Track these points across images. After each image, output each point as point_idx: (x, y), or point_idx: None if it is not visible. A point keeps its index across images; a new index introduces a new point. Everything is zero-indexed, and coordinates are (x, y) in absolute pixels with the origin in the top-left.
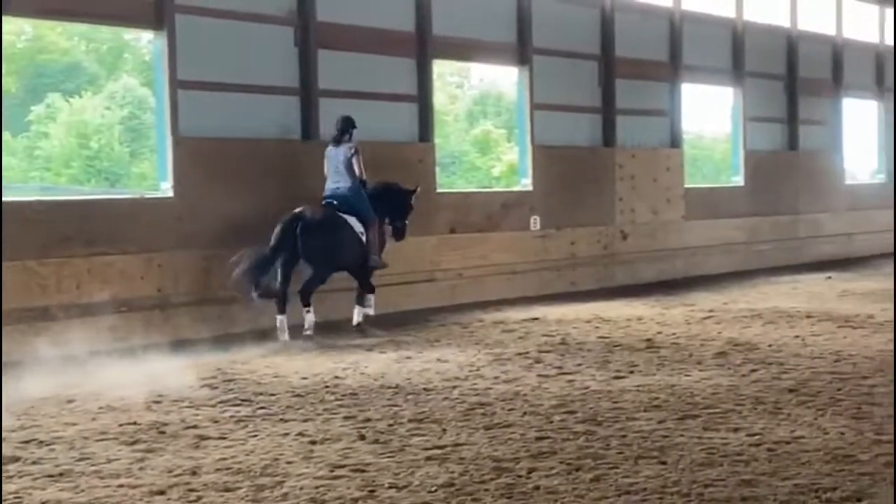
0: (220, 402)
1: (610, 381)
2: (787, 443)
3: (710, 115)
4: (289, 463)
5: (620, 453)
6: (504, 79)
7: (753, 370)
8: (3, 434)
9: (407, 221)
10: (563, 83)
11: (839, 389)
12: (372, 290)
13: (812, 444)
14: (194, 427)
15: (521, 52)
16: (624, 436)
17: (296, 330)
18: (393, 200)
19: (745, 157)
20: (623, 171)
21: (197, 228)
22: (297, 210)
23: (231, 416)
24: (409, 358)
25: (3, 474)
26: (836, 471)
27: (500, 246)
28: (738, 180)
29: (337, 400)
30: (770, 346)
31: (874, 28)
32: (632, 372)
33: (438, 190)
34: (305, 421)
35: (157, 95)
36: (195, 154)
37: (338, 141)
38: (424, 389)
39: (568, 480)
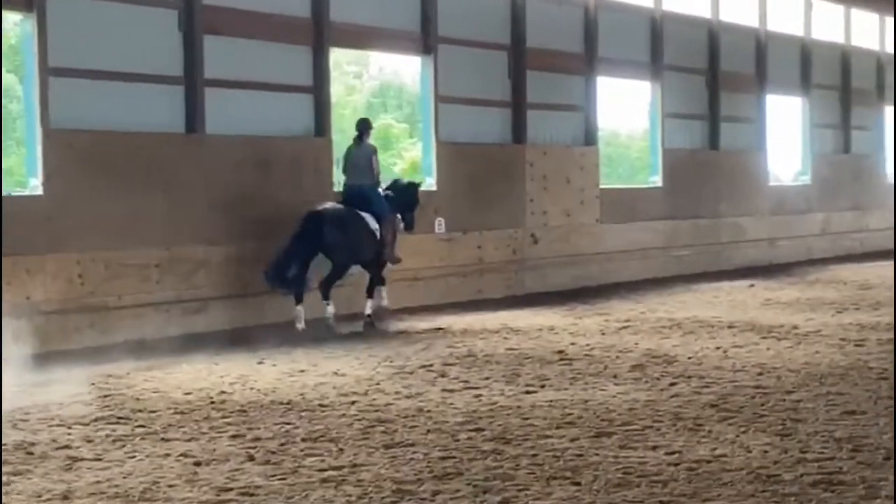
0: (95, 420)
1: (520, 395)
2: (708, 462)
3: (626, 110)
4: (170, 486)
5: (531, 474)
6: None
7: (672, 384)
8: None
9: (414, 213)
10: (470, 75)
11: (762, 405)
12: (383, 281)
13: (734, 462)
14: (66, 447)
15: (425, 40)
16: (535, 455)
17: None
18: (403, 196)
19: (663, 155)
20: (534, 170)
21: (70, 229)
22: (318, 207)
23: (107, 435)
24: (302, 371)
25: None
26: (759, 491)
27: (401, 250)
28: (656, 181)
29: (224, 417)
30: (690, 358)
31: (799, 21)
32: (543, 386)
33: (335, 189)
34: (189, 440)
35: (24, 83)
36: (68, 148)
37: (359, 141)
38: (320, 406)
39: (475, 503)
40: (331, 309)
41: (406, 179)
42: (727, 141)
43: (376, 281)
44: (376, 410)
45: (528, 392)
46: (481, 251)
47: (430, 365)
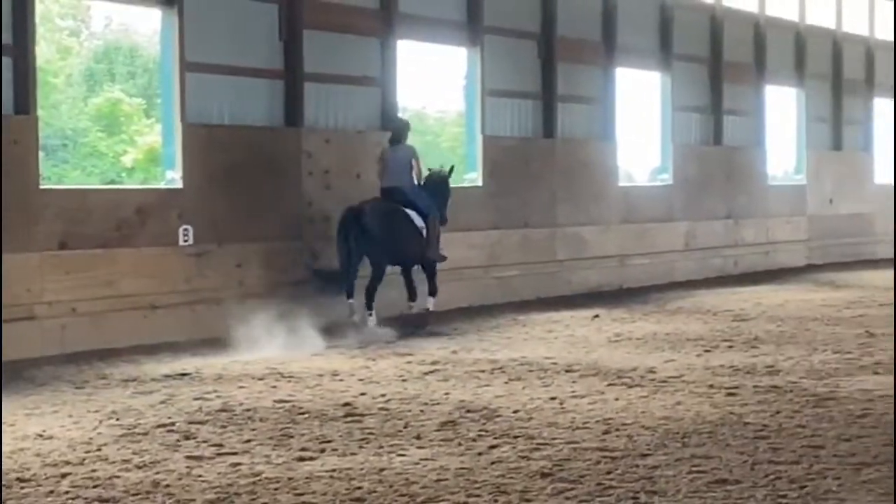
0: None
1: (292, 464)
2: None
3: (436, 85)
4: None
5: None
6: (142, 25)
7: (493, 447)
8: None
9: (448, 206)
10: (226, 34)
11: (609, 473)
12: (433, 290)
13: None
14: None
15: None
16: None
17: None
18: (439, 189)
19: (483, 145)
20: (314, 163)
21: None
22: (358, 203)
23: None
24: None
25: None
26: None
27: (133, 268)
28: (475, 178)
29: None
30: (516, 412)
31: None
32: (323, 451)
33: (42, 185)
34: None
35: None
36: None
37: (396, 143)
38: (18, 480)
39: None
40: (373, 319)
41: (440, 170)
42: (566, 127)
43: (432, 279)
44: (96, 486)
45: (302, 459)
46: (242, 270)
47: (171, 423)
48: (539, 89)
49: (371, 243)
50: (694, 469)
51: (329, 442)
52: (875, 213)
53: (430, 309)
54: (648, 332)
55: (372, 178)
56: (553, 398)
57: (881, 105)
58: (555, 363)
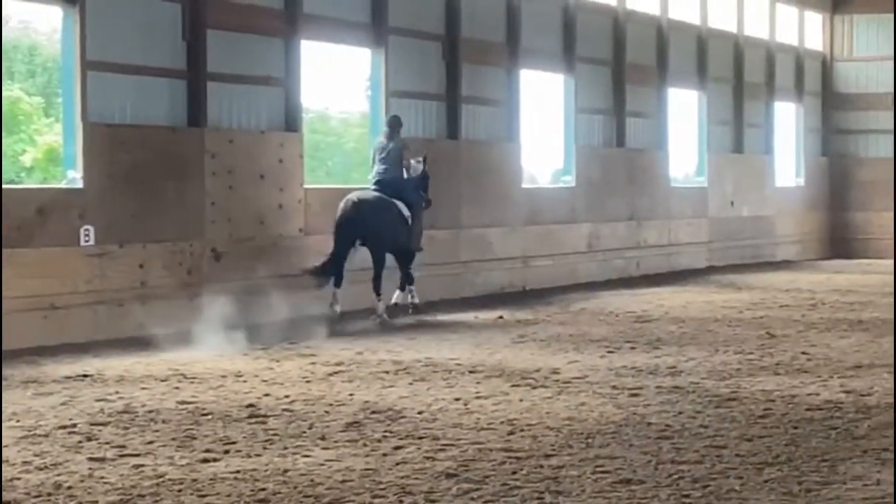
0: None
1: (195, 465)
2: None
3: (341, 88)
4: None
5: None
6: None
7: (398, 447)
8: None
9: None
10: (131, 32)
11: (514, 473)
12: (412, 281)
13: None
14: None
15: None
16: None
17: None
18: (421, 180)
19: None
20: (217, 163)
21: None
22: (355, 195)
23: None
24: None
25: None
26: None
27: (34, 269)
28: None
29: None
30: (420, 413)
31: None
32: (227, 452)
33: None
34: None
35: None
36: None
37: (389, 136)
38: None
39: None
40: (381, 305)
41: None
42: (470, 129)
43: (407, 271)
44: None
45: (206, 460)
46: (144, 271)
47: (73, 425)
48: (443, 91)
49: (371, 233)
50: (598, 469)
51: (233, 443)
52: (775, 216)
53: (399, 302)
54: (552, 333)
55: (275, 178)
56: (458, 399)
57: (781, 109)
58: (459, 364)
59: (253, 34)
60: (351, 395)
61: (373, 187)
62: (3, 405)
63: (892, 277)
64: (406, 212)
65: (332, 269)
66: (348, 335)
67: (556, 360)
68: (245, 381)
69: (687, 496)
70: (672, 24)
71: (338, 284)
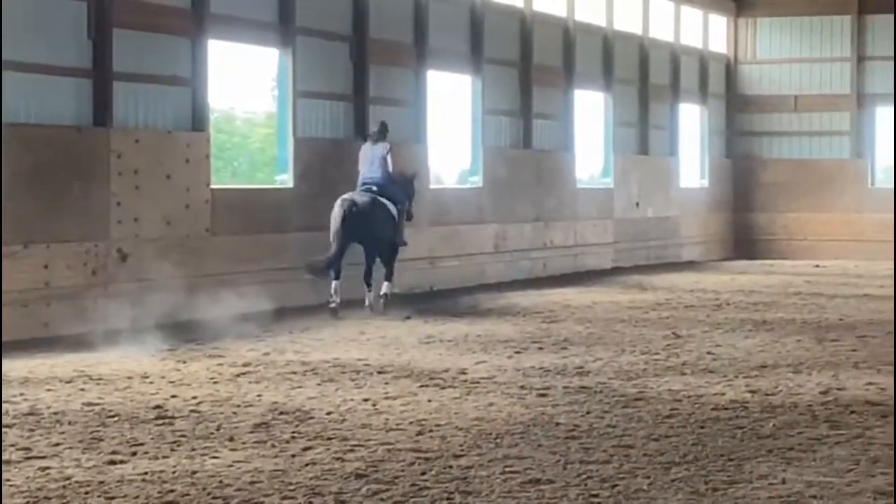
0: None
1: (102, 467)
2: None
3: (249, 88)
4: None
5: None
6: None
7: (307, 448)
8: None
9: (413, 201)
10: (35, 30)
11: (423, 473)
12: (391, 275)
13: None
14: None
15: None
16: None
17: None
18: (406, 188)
19: (295, 147)
20: (123, 163)
21: None
22: (350, 196)
23: None
24: None
25: None
26: None
27: None
28: (286, 179)
29: None
30: (329, 414)
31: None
32: (134, 454)
33: None
34: None
35: None
36: None
37: (375, 140)
38: None
39: None
40: (371, 294)
41: (406, 173)
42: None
43: (390, 265)
44: None
45: (113, 462)
46: (49, 272)
47: None
48: (350, 91)
49: (367, 232)
50: (507, 469)
51: (140, 445)
52: (680, 217)
53: (386, 293)
54: (460, 333)
55: (181, 178)
56: (366, 400)
57: (686, 110)
58: (367, 364)
59: (159, 33)
60: (259, 395)
61: (362, 188)
62: None
63: (794, 278)
64: (393, 210)
65: (333, 265)
66: (255, 336)
67: (464, 361)
68: (152, 383)
69: (595, 496)
70: (578, 26)
71: (337, 277)
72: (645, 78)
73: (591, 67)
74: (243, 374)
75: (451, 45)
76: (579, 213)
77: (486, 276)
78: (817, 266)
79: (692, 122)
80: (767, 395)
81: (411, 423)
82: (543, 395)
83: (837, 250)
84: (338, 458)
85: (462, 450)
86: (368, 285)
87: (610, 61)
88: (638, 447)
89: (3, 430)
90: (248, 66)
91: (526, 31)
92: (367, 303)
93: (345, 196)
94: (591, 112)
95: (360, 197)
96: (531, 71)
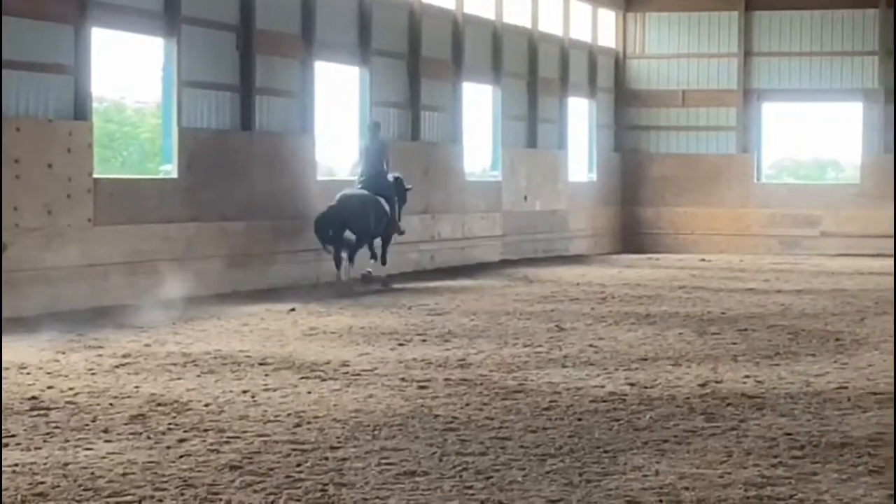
0: None
1: None
2: None
3: (135, 77)
4: None
5: None
6: None
7: (182, 440)
8: None
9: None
10: None
11: (299, 465)
12: (384, 259)
13: None
14: None
15: None
16: None
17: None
18: (399, 192)
19: (179, 137)
20: (4, 151)
21: None
22: (347, 191)
23: None
24: None
25: None
26: None
27: None
28: (170, 170)
29: None
30: (207, 405)
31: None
32: (6, 445)
33: None
34: None
35: None
36: None
37: (373, 139)
38: None
39: None
40: (352, 272)
41: (398, 175)
42: (264, 120)
43: (385, 248)
44: None
45: None
46: None
47: None
48: (237, 81)
49: (357, 225)
50: (383, 461)
51: (13, 436)
52: (568, 210)
53: (372, 272)
54: (344, 325)
55: (63, 167)
56: (245, 391)
57: (574, 104)
58: (249, 356)
59: (42, 20)
60: (137, 387)
61: (358, 185)
62: None
63: (679, 272)
64: (386, 205)
65: (335, 252)
66: (136, 327)
67: (346, 353)
68: (29, 374)
69: (470, 487)
70: (467, 19)
71: (339, 263)
72: (534, 71)
73: (480, 60)
74: (122, 365)
75: (338, 36)
76: (467, 205)
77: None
78: (703, 260)
79: (581, 115)
80: (646, 387)
81: (289, 414)
82: (424, 388)
83: (723, 245)
84: (213, 450)
85: (339, 441)
86: (351, 261)
87: (499, 54)
88: (515, 439)
89: None
90: (135, 55)
91: (414, 23)
92: (341, 278)
93: (343, 192)
94: (479, 105)
95: (353, 193)
96: (419, 63)
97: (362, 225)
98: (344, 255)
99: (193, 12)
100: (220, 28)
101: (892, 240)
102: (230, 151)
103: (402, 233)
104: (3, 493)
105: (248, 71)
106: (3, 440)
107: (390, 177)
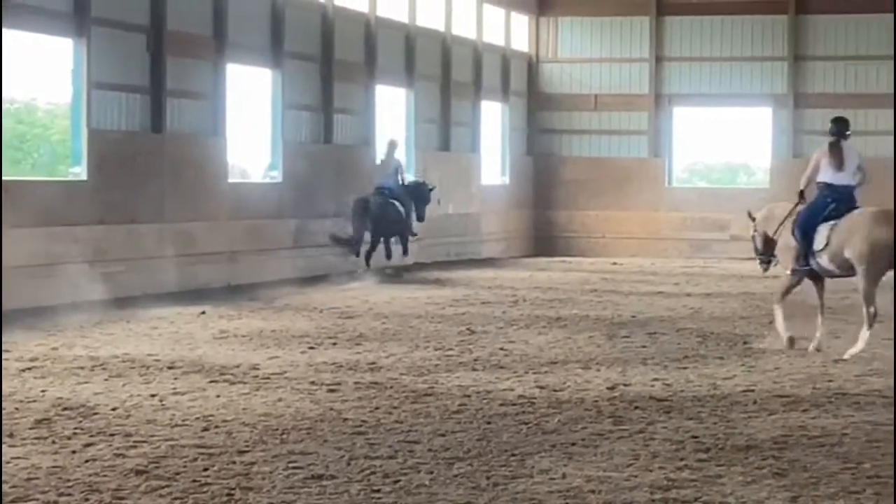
0: None
1: None
2: None
3: (45, 77)
4: None
5: None
6: None
7: (88, 444)
8: None
9: (426, 207)
10: None
11: (206, 469)
12: (407, 252)
13: None
14: None
15: None
16: None
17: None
18: (419, 192)
19: (89, 139)
20: None
21: None
22: (364, 196)
23: None
24: None
25: None
26: None
27: None
28: (79, 172)
29: None
30: (114, 409)
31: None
32: None
33: None
34: None
35: None
36: None
37: (389, 154)
38: None
39: None
40: (369, 270)
41: (419, 179)
42: (175, 122)
43: (405, 247)
44: None
45: None
46: None
47: None
48: (147, 83)
49: (373, 222)
50: (291, 465)
51: None
52: (481, 214)
53: (409, 262)
54: (255, 328)
55: None
56: (153, 395)
57: (488, 108)
58: (157, 360)
59: None
60: (43, 391)
61: (377, 192)
62: None
63: (591, 276)
64: (401, 209)
65: (353, 248)
66: (44, 330)
67: (256, 356)
68: None
69: (377, 491)
70: (381, 22)
71: (357, 255)
72: (447, 75)
73: (394, 63)
74: (29, 368)
75: (251, 38)
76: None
77: (286, 271)
78: (614, 263)
79: (494, 119)
80: (555, 390)
81: (197, 418)
82: (333, 391)
83: (635, 248)
84: (119, 455)
85: (247, 445)
86: (367, 261)
87: (412, 57)
88: (424, 443)
89: None
90: (45, 56)
91: (327, 26)
92: (357, 271)
93: (362, 196)
94: (392, 108)
95: (372, 198)
96: (332, 66)
97: (378, 224)
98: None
99: (104, 13)
100: (130, 29)
101: None
102: (140, 153)
103: (414, 235)
104: None
105: (158, 72)
106: None
107: (410, 181)
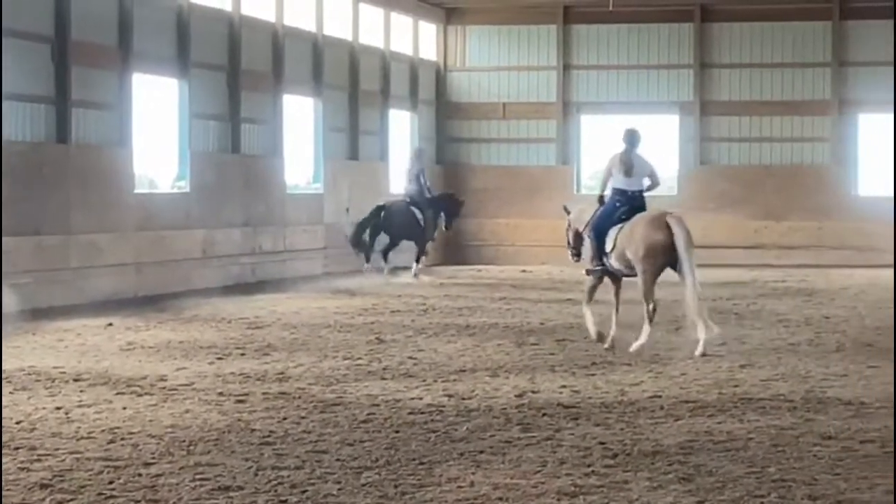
0: None
1: None
2: None
3: None
4: None
5: None
6: None
7: None
8: None
9: (455, 219)
10: None
11: (111, 482)
12: (425, 254)
13: None
14: None
15: None
16: None
17: None
18: (448, 203)
19: None
20: None
21: None
22: (385, 202)
23: None
24: None
25: None
26: None
27: None
28: None
29: None
30: (19, 423)
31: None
32: None
33: None
34: None
35: None
36: None
37: (414, 162)
38: None
39: None
40: (388, 269)
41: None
42: (80, 133)
43: (421, 252)
44: None
45: None
46: None
47: None
48: (52, 93)
49: (389, 226)
50: (198, 477)
51: None
52: None
53: (416, 273)
54: (162, 340)
55: None
56: (59, 408)
57: (396, 116)
58: (63, 372)
59: None
60: None
61: (401, 199)
62: None
63: (501, 283)
64: (420, 216)
65: (366, 250)
66: None
67: (163, 368)
68: None
69: (284, 501)
70: (287, 31)
71: (368, 259)
72: (355, 83)
73: (301, 72)
74: None
75: (156, 47)
76: (289, 218)
77: (193, 281)
78: (524, 271)
79: (402, 127)
80: (464, 398)
81: (104, 431)
82: (241, 402)
83: (544, 256)
84: (23, 468)
85: (153, 457)
86: (385, 260)
87: (320, 66)
88: (332, 452)
89: None
90: None
91: (234, 35)
92: (384, 271)
93: (383, 202)
94: (300, 117)
95: (392, 204)
96: (239, 75)
97: (398, 228)
98: (379, 252)
99: (7, 23)
100: (34, 39)
101: (709, 251)
102: (45, 164)
103: (433, 240)
104: None
105: (63, 83)
106: None
107: (442, 193)
